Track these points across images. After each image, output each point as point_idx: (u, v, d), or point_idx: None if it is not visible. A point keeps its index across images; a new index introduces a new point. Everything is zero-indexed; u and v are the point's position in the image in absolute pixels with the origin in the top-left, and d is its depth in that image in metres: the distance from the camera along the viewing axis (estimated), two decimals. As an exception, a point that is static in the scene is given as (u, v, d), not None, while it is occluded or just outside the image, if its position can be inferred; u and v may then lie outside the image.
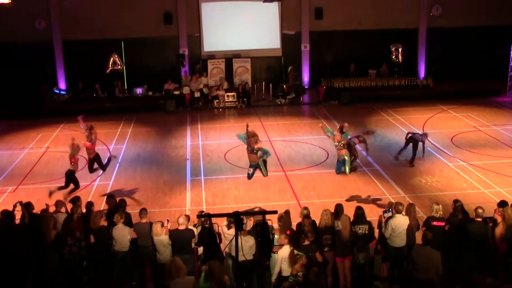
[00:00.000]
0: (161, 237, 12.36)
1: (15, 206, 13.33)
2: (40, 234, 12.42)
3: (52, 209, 13.72)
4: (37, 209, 14.04)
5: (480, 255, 12.13)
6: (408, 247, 12.66)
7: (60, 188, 17.06)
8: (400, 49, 31.34)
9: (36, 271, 11.93)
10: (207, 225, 12.18)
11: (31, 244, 12.30)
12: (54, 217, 13.13)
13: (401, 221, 12.33)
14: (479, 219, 12.32)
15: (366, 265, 12.56)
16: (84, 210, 13.74)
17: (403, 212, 12.56)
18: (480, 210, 12.33)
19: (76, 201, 13.84)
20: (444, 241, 12.58)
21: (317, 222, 12.68)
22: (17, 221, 13.11)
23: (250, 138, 16.21)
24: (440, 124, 25.64)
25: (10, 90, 28.59)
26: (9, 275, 11.74)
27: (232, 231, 10.29)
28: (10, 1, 22.35)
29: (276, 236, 12.07)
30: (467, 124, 25.50)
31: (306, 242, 11.87)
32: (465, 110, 27.84)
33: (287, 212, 12.55)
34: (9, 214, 12.86)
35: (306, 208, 13.22)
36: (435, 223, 12.57)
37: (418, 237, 12.97)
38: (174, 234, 12.36)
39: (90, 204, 13.96)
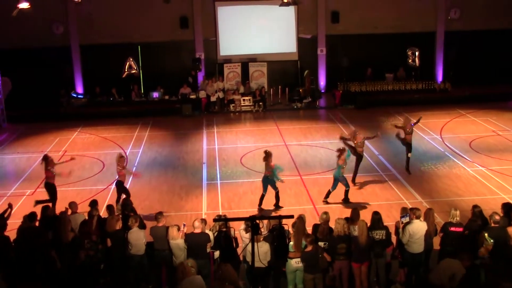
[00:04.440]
0: (177, 240, 12.35)
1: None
2: (57, 236, 12.48)
3: (68, 211, 13.82)
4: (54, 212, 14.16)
5: (498, 260, 11.98)
6: (426, 253, 12.59)
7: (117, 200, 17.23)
8: (417, 53, 31.18)
9: (49, 271, 11.97)
10: (224, 229, 12.17)
11: (48, 245, 12.37)
12: (71, 219, 13.18)
13: (419, 227, 12.23)
14: (496, 225, 12.19)
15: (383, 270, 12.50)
16: (107, 213, 13.82)
17: (421, 218, 12.45)
18: (497, 217, 12.20)
19: (94, 204, 13.92)
20: (462, 248, 12.46)
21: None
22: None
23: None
24: (458, 129, 25.45)
25: (28, 94, 28.79)
26: (24, 273, 11.80)
27: (250, 235, 10.27)
28: (29, 6, 22.50)
29: (291, 243, 12.02)
30: (485, 129, 25.29)
31: (308, 249, 11.81)
32: (484, 114, 27.61)
33: (300, 218, 12.44)
34: (29, 216, 13.04)
35: (325, 213, 13.13)
36: (452, 228, 12.45)
37: (436, 242, 12.90)
38: (189, 238, 12.35)
39: (111, 207, 14.03)
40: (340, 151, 17.47)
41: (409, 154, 19.92)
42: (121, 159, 17.18)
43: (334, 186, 17.52)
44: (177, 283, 10.16)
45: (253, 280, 11.61)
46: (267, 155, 16.97)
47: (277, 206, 17.35)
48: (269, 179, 17.06)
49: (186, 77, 31.35)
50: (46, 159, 17.17)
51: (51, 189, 17.11)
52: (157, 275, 12.99)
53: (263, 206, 17.25)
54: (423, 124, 25.93)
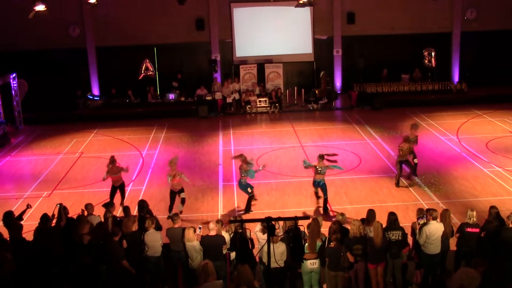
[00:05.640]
0: (193, 242, 12.36)
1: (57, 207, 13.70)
2: (75, 238, 12.54)
3: (85, 213, 13.90)
4: (71, 213, 14.24)
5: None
6: (442, 254, 12.53)
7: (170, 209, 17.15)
8: (433, 53, 31.03)
9: (70, 272, 12.04)
10: (239, 231, 12.18)
11: (66, 246, 12.43)
12: (89, 221, 13.24)
13: (436, 228, 12.17)
14: (514, 226, 12.11)
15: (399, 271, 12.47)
16: (122, 214, 13.90)
17: (438, 219, 12.39)
18: (515, 218, 12.12)
19: (109, 206, 13.99)
20: (478, 249, 12.40)
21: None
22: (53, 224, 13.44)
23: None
24: (474, 129, 25.31)
25: (45, 95, 28.98)
26: (45, 274, 11.88)
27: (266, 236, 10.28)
28: (45, 9, 22.65)
29: (306, 244, 12.01)
30: (502, 129, 25.12)
31: (332, 245, 11.83)
32: (500, 115, 27.42)
33: (315, 220, 12.41)
34: (45, 217, 13.16)
35: (341, 214, 13.16)
36: (469, 229, 12.38)
37: (452, 243, 12.84)
38: (204, 240, 12.36)
39: (127, 209, 14.09)
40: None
41: (415, 160, 19.48)
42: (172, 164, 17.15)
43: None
44: (196, 284, 10.14)
45: (270, 281, 11.60)
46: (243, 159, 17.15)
47: (247, 211, 17.33)
48: (243, 184, 17.16)
49: (202, 79, 31.46)
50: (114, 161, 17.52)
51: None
52: (173, 277, 13.03)
53: (279, 208, 17.30)
54: (439, 125, 25.95)
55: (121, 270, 12.00)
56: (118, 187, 17.57)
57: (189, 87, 30.90)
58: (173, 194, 17.13)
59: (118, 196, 17.53)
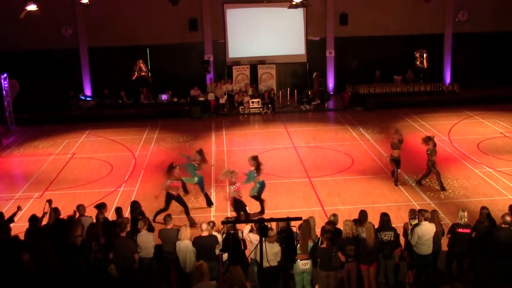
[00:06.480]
0: (186, 241, 12.31)
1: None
2: (67, 239, 12.50)
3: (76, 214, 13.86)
4: (63, 215, 14.18)
5: (508, 262, 11.93)
6: (434, 254, 12.58)
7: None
8: (425, 55, 31.12)
9: (63, 273, 12.02)
10: (232, 231, 12.19)
11: (57, 247, 12.40)
12: (81, 223, 13.20)
13: (427, 229, 12.21)
14: (506, 226, 12.13)
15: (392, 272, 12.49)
16: (115, 216, 13.88)
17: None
18: (508, 218, 12.13)
19: (100, 207, 13.96)
20: (470, 249, 12.45)
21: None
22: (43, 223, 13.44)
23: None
24: (466, 130, 25.39)
25: (37, 96, 28.86)
26: (40, 275, 11.86)
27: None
28: (37, 9, 22.58)
29: (299, 245, 12.03)
30: (493, 130, 25.21)
31: (324, 245, 11.84)
32: (492, 116, 27.52)
33: (306, 221, 12.38)
34: (33, 218, 13.15)
35: (334, 215, 13.18)
36: (460, 230, 12.43)
37: (444, 244, 12.88)
38: (197, 241, 12.36)
39: (119, 210, 14.07)
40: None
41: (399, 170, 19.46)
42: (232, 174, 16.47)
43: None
44: (189, 285, 10.13)
45: (263, 281, 11.61)
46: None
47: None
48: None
49: (195, 79, 31.43)
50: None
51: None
52: (167, 278, 13.02)
53: (271, 209, 17.31)
54: (431, 126, 26.01)
55: (132, 265, 12.09)
56: (177, 197, 16.78)
57: (182, 88, 30.84)
58: (240, 204, 16.35)
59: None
